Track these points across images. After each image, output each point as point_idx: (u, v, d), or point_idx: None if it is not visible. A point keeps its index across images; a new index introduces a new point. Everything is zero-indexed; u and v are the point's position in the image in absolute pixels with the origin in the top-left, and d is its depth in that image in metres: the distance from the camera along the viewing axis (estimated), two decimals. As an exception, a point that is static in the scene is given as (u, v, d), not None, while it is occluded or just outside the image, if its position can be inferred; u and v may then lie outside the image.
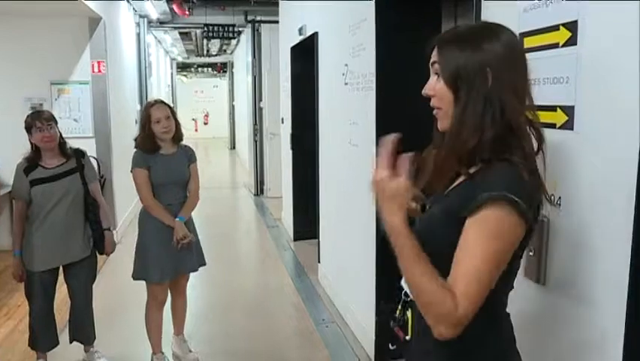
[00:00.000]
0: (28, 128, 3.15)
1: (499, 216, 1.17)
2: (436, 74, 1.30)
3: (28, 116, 3.19)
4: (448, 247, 1.23)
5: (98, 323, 3.58)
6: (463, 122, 1.24)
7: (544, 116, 1.63)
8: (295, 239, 6.57)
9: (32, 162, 3.18)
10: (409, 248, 1.23)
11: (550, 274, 1.65)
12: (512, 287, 1.40)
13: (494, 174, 1.21)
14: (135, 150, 3.32)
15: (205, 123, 23.06)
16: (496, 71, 1.22)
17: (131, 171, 3.27)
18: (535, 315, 1.72)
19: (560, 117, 1.57)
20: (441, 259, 1.22)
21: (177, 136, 3.32)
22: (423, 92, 1.34)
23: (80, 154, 3.32)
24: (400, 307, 1.46)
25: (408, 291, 1.35)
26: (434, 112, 1.35)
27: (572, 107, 1.52)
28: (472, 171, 1.26)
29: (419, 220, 1.37)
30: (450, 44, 1.28)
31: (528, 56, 1.65)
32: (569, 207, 1.57)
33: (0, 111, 5.71)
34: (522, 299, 1.74)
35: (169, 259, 3.28)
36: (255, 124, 9.54)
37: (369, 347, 3.53)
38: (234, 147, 18.44)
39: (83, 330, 3.48)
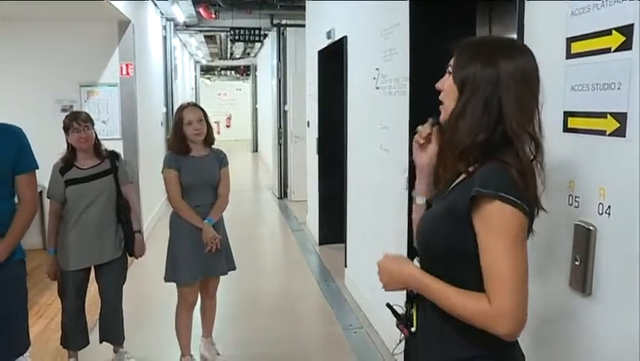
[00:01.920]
0: (66, 128, 3.21)
1: (498, 213, 1.26)
2: (449, 73, 1.41)
3: (66, 117, 3.25)
4: (449, 242, 1.36)
5: (127, 324, 3.60)
6: (461, 121, 1.34)
7: (593, 123, 1.60)
8: (321, 243, 6.55)
9: (68, 162, 3.23)
10: (431, 282, 1.37)
11: (597, 284, 1.60)
12: None
13: (485, 171, 1.30)
14: (167, 151, 3.36)
15: (228, 126, 23.20)
16: (504, 85, 1.31)
17: (162, 172, 3.30)
18: (579, 326, 1.68)
19: (611, 124, 1.53)
20: (443, 253, 1.38)
21: (209, 139, 3.34)
22: (436, 86, 1.47)
23: (114, 156, 3.37)
24: (406, 302, 1.54)
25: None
26: (440, 106, 1.47)
27: (625, 114, 1.48)
28: (471, 169, 1.35)
29: (422, 218, 1.49)
30: (468, 51, 1.38)
31: (576, 61, 1.64)
32: (619, 215, 1.52)
33: (31, 113, 5.78)
34: (567, 310, 1.71)
35: (198, 261, 3.29)
36: (280, 127, 9.56)
37: (400, 357, 3.49)
38: (257, 150, 18.51)
39: (112, 331, 3.51)
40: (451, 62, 1.41)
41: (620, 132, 1.50)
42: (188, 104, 3.40)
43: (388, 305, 1.59)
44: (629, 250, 1.49)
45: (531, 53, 1.38)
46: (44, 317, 4.24)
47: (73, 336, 3.39)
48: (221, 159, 3.40)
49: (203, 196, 3.32)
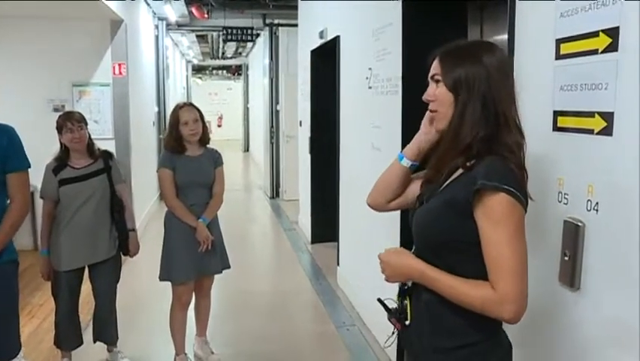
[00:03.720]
0: (59, 128, 3.21)
1: (501, 204, 1.32)
2: (436, 82, 1.47)
3: (59, 117, 3.25)
4: (448, 233, 1.42)
5: (121, 323, 3.61)
6: (463, 121, 1.41)
7: (581, 122, 1.64)
8: (313, 242, 6.58)
9: (61, 161, 3.23)
10: (436, 273, 1.42)
11: (586, 279, 1.65)
12: None
13: (487, 165, 1.36)
14: (163, 150, 3.38)
15: (219, 126, 23.15)
16: (493, 79, 1.40)
17: (157, 171, 3.32)
18: (568, 320, 1.72)
19: (599, 123, 1.57)
20: (439, 244, 1.44)
21: (204, 139, 3.36)
22: (423, 98, 1.53)
23: (108, 155, 3.37)
24: (398, 296, 1.58)
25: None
26: (432, 115, 1.53)
27: (612, 114, 1.52)
28: (469, 164, 1.41)
29: (417, 212, 1.53)
30: (451, 56, 1.46)
31: (565, 62, 1.69)
32: (607, 212, 1.57)
33: (23, 112, 5.77)
34: (556, 304, 1.75)
35: (193, 259, 3.31)
36: (272, 127, 9.58)
37: (392, 351, 3.53)
38: (248, 150, 18.50)
39: (106, 330, 3.51)
40: (434, 71, 1.48)
41: (607, 131, 1.55)
42: (185, 103, 3.42)
43: (380, 300, 1.63)
44: (617, 246, 1.53)
45: (500, 47, 1.48)
46: (37, 318, 4.23)
47: (67, 336, 3.38)
48: (216, 159, 3.42)
49: (197, 195, 3.34)
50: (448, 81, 1.43)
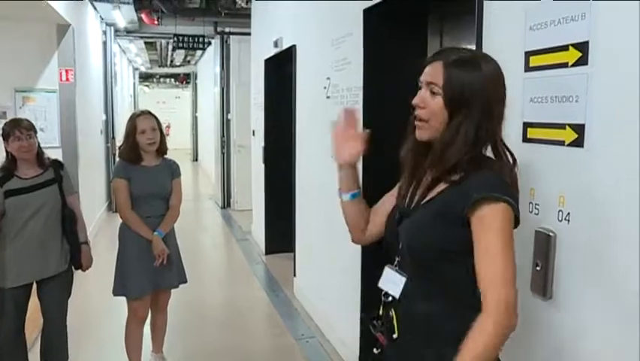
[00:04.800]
0: (5, 136, 3.02)
1: (504, 214, 1.33)
2: (433, 92, 1.40)
3: (6, 124, 3.06)
4: (439, 242, 1.40)
5: (71, 341, 3.41)
6: (454, 141, 1.38)
7: (552, 134, 1.67)
8: (267, 253, 6.49)
9: (7, 172, 3.04)
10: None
11: (558, 289, 1.67)
12: None
13: (484, 177, 1.36)
14: (118, 159, 3.27)
15: (167, 134, 22.67)
16: (489, 101, 1.38)
17: (112, 181, 3.21)
18: (541, 329, 1.74)
19: (569, 135, 1.60)
20: (430, 253, 1.42)
21: (162, 149, 3.27)
22: (413, 102, 1.46)
23: (58, 165, 3.21)
24: (381, 309, 1.55)
25: (389, 292, 1.51)
26: (416, 122, 1.47)
27: (582, 126, 1.55)
28: (453, 179, 1.40)
29: (403, 225, 1.49)
30: (457, 67, 1.39)
31: (535, 74, 1.71)
32: (578, 222, 1.59)
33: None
34: (528, 313, 1.76)
35: (148, 273, 3.20)
36: (223, 136, 9.45)
37: (352, 362, 3.51)
38: (197, 159, 18.23)
39: (55, 350, 3.30)
40: (433, 80, 1.41)
41: (578, 143, 1.57)
42: (142, 112, 3.32)
43: (363, 319, 1.60)
44: (587, 256, 1.56)
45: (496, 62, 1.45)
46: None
47: (11, 357, 3.16)
48: (173, 170, 3.33)
49: (153, 207, 3.24)
50: (449, 97, 1.38)
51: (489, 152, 1.46)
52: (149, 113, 3.31)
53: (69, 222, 3.18)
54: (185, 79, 20.82)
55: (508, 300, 1.31)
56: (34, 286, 3.20)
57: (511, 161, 1.44)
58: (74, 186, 3.42)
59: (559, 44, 1.63)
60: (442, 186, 1.43)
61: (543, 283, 1.69)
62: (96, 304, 4.41)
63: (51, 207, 3.11)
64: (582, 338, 1.58)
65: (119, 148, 3.26)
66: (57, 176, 3.15)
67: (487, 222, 1.33)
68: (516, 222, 1.38)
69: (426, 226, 1.43)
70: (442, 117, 1.40)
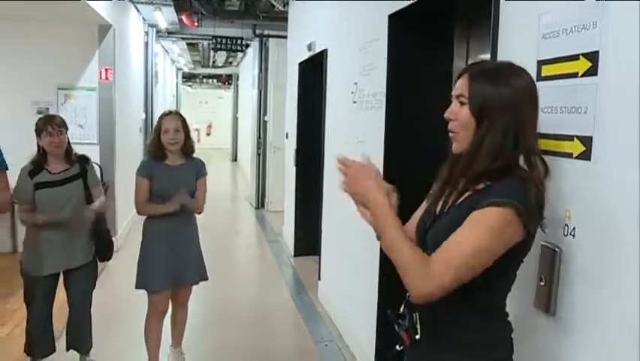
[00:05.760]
0: (38, 131, 3.15)
1: (500, 215, 1.30)
2: (461, 102, 1.43)
3: (39, 120, 3.20)
4: None
5: (96, 331, 3.55)
6: (480, 149, 1.39)
7: (561, 146, 1.63)
8: (296, 255, 6.53)
9: (38, 165, 3.17)
10: (392, 218, 1.40)
11: (561, 305, 1.62)
12: (509, 290, 1.52)
13: (503, 185, 1.35)
14: (146, 156, 3.39)
15: (208, 134, 23.10)
16: (519, 109, 1.37)
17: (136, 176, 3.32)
18: (543, 345, 1.69)
19: (577, 147, 1.56)
20: None
21: (186, 149, 3.32)
22: (445, 115, 1.48)
23: (84, 160, 3.33)
24: (404, 308, 1.54)
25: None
26: (450, 135, 1.48)
27: (590, 138, 1.51)
28: (479, 187, 1.40)
29: (430, 233, 1.50)
30: (481, 79, 1.41)
31: (546, 84, 1.68)
32: (583, 237, 1.55)
33: (7, 114, 5.71)
34: (531, 329, 1.72)
35: (169, 269, 3.27)
36: (259, 137, 9.55)
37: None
38: (236, 159, 18.44)
39: (80, 338, 3.45)
40: (460, 92, 1.43)
41: (585, 155, 1.53)
42: (170, 112, 3.40)
43: (390, 314, 1.58)
44: (592, 272, 1.51)
45: (527, 71, 1.44)
46: (7, 325, 4.13)
47: (39, 343, 3.32)
48: (199, 169, 3.37)
49: None
50: (474, 106, 1.40)
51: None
52: (177, 113, 3.38)
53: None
54: (227, 80, 21.10)
55: (443, 280, 1.29)
56: (62, 277, 3.33)
57: (542, 172, 1.41)
58: (108, 181, 3.53)
59: (570, 53, 1.60)
60: (468, 194, 1.44)
61: (547, 299, 1.65)
62: (124, 297, 4.51)
63: (77, 200, 3.23)
64: (584, 356, 1.54)
65: (147, 146, 3.35)
66: (82, 170, 3.27)
67: (476, 218, 1.32)
68: (528, 233, 1.35)
69: (445, 232, 1.40)
70: (471, 128, 1.42)
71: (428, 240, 1.49)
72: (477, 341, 1.43)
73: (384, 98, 3.23)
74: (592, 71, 1.51)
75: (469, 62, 3.04)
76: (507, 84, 1.37)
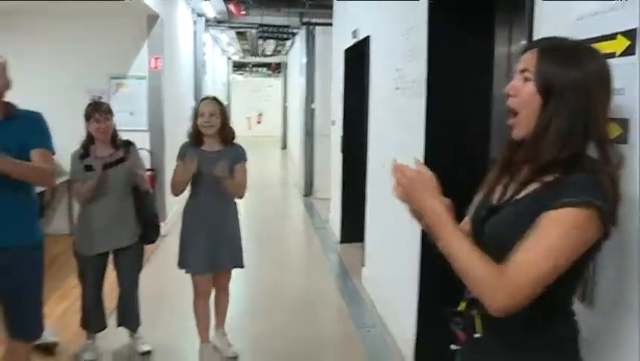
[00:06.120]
0: (87, 117, 3.34)
1: (579, 217, 1.19)
2: (525, 78, 1.31)
3: (88, 106, 3.39)
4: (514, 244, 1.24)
5: (147, 310, 3.72)
6: (546, 134, 1.27)
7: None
8: (342, 241, 6.56)
9: (86, 149, 3.36)
10: (452, 227, 1.29)
11: (598, 293, 1.58)
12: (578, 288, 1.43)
13: (575, 180, 1.22)
14: (186, 140, 3.48)
15: (258, 122, 23.36)
16: (591, 91, 1.25)
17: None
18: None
19: (615, 130, 1.51)
20: (508, 255, 1.24)
21: (223, 135, 3.37)
22: (505, 90, 1.37)
23: (127, 144, 3.48)
24: (463, 305, 1.45)
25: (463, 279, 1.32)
26: (509, 120, 1.37)
27: (627, 120, 1.46)
28: (547, 179, 1.28)
29: (488, 224, 1.39)
30: (552, 55, 1.29)
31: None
32: (621, 223, 1.50)
33: (62, 102, 5.94)
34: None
35: (205, 252, 3.37)
36: (307, 125, 9.60)
37: (409, 355, 3.49)
38: (286, 147, 18.59)
39: (128, 316, 3.62)
40: (525, 66, 1.32)
41: (622, 139, 1.48)
42: (207, 97, 3.49)
43: (444, 308, 1.48)
44: (631, 258, 1.47)
45: (603, 56, 1.34)
46: (67, 300, 4.37)
47: (92, 319, 3.52)
48: (238, 154, 3.42)
49: (211, 189, 3.34)
50: (540, 82, 1.27)
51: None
52: (214, 99, 3.45)
53: (139, 198, 3.45)
54: (276, 68, 21.22)
55: (521, 292, 1.20)
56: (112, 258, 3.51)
57: (616, 163, 1.28)
58: (158, 168, 3.64)
59: (607, 33, 1.54)
60: (533, 186, 1.31)
61: (582, 287, 1.61)
62: (175, 278, 4.65)
63: (123, 184, 3.39)
64: (618, 346, 1.50)
65: (188, 130, 3.45)
66: (126, 154, 3.40)
67: (552, 220, 1.20)
68: (606, 230, 1.24)
69: (509, 226, 1.31)
70: (534, 107, 1.29)
71: (486, 233, 1.38)
72: (543, 343, 1.32)
73: (425, 84, 3.20)
74: (630, 51, 1.45)
75: (512, 48, 2.97)
76: (579, 65, 1.25)
